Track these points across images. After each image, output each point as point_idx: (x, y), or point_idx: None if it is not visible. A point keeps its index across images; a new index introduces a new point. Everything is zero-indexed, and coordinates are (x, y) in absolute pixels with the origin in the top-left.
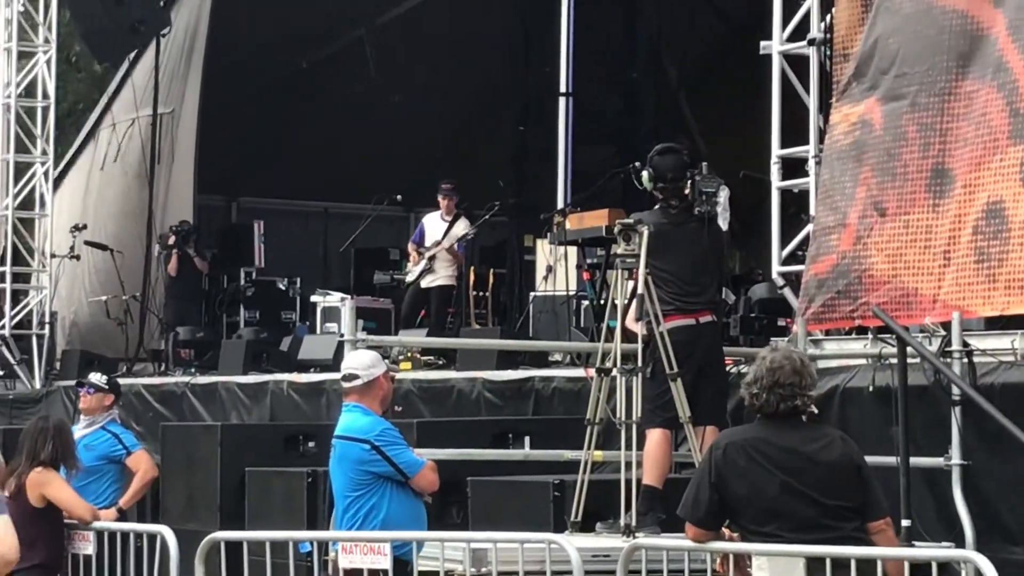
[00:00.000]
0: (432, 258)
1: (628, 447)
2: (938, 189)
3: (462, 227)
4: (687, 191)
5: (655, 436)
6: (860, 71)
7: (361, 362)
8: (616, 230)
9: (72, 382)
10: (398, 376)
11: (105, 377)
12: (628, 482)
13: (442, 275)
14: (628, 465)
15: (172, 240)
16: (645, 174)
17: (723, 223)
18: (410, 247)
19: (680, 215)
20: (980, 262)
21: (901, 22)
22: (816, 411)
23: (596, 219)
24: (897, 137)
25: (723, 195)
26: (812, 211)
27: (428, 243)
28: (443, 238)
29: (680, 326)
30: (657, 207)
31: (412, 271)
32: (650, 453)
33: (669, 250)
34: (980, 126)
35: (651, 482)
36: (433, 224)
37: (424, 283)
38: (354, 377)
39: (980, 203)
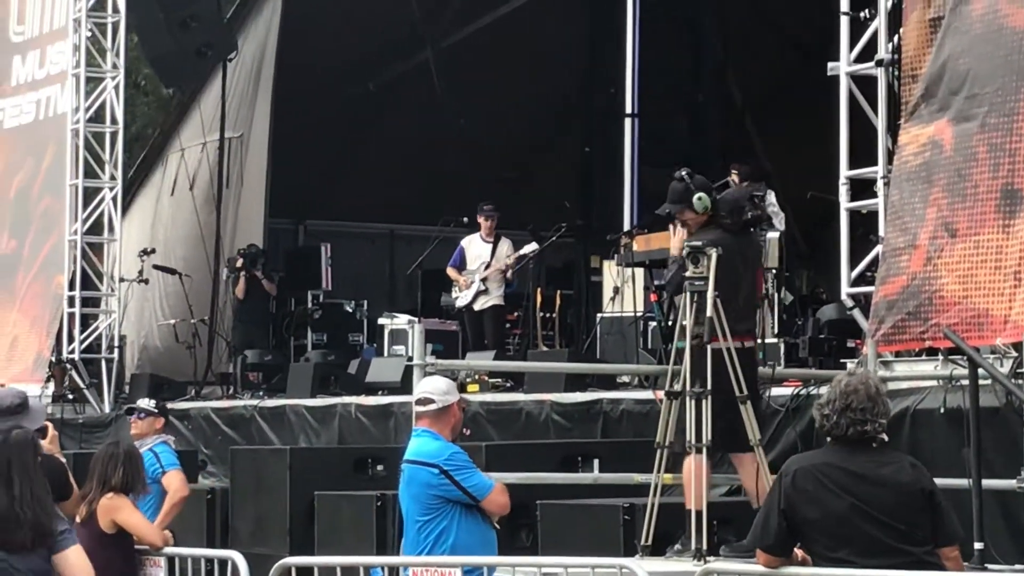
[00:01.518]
0: (485, 279)
1: (659, 470)
2: (1008, 209)
3: (506, 247)
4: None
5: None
6: (930, 92)
7: (437, 387)
8: (685, 252)
9: None
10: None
11: (153, 402)
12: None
13: (495, 296)
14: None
15: (240, 263)
16: (703, 196)
17: (780, 224)
18: (451, 272)
19: (734, 226)
20: None
21: (971, 43)
22: (887, 438)
23: (663, 240)
24: (968, 158)
25: (771, 197)
26: (881, 232)
27: (472, 265)
28: (491, 259)
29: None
30: (713, 222)
31: (464, 295)
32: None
33: (733, 266)
34: None
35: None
36: (475, 246)
37: (477, 306)
38: (429, 402)
39: None
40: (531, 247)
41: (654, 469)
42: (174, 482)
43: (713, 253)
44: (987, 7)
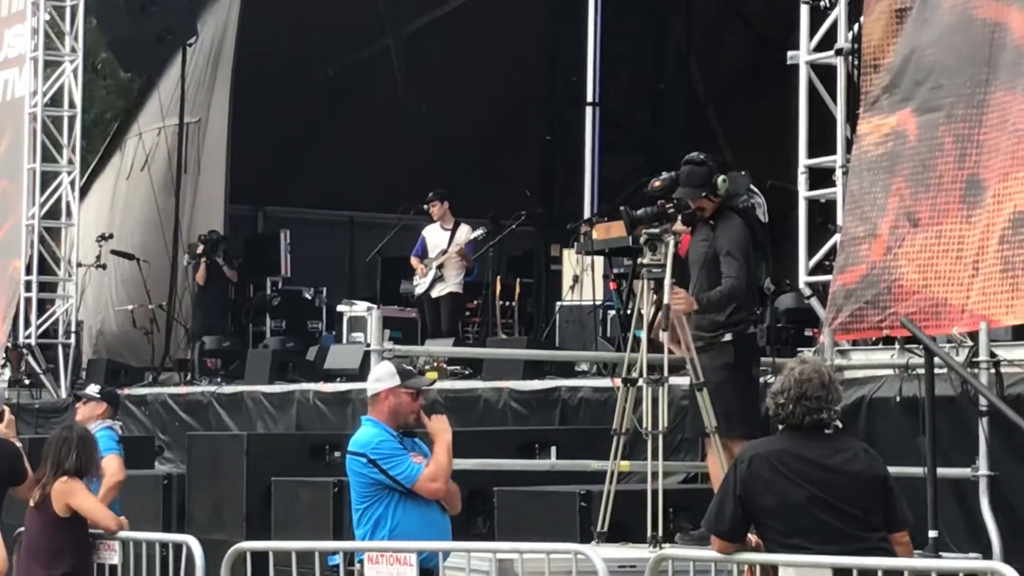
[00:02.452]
0: (441, 266)
1: (655, 457)
2: (972, 200)
3: (465, 231)
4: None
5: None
6: (893, 82)
7: (372, 375)
8: (643, 240)
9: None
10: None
11: (97, 387)
12: (655, 493)
13: (452, 283)
14: (655, 475)
15: (201, 249)
16: (727, 178)
17: (763, 216)
18: (413, 260)
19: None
20: (1005, 271)
21: (940, 34)
22: (840, 425)
23: (623, 229)
24: (932, 148)
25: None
26: (839, 221)
27: (432, 253)
28: (449, 245)
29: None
30: (725, 207)
31: (421, 283)
32: None
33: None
34: (1012, 136)
35: None
36: (434, 234)
37: (435, 293)
38: (367, 389)
39: (1007, 213)
40: (477, 232)
41: (611, 456)
42: (111, 466)
43: (671, 241)
44: None
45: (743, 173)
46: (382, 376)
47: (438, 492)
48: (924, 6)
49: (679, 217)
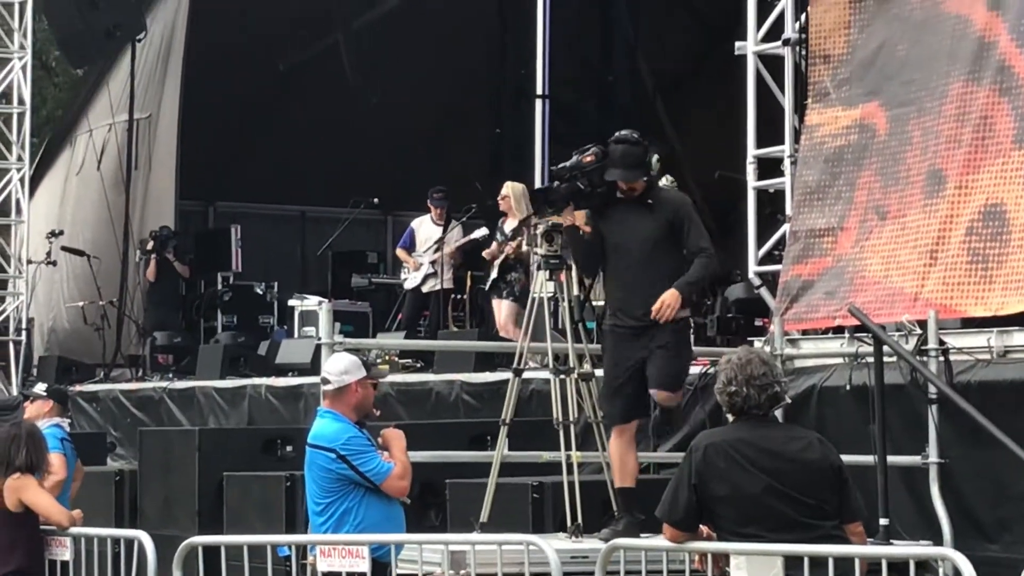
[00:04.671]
0: (434, 262)
1: (568, 447)
2: (930, 190)
3: (458, 231)
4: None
5: None
6: (856, 75)
7: (334, 367)
8: (540, 231)
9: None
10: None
11: (44, 385)
12: (571, 484)
13: (445, 279)
14: (570, 467)
15: (151, 245)
16: (656, 157)
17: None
18: (400, 252)
19: None
20: (974, 263)
21: (910, 30)
22: (790, 400)
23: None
24: (903, 142)
25: None
26: (788, 211)
27: (421, 248)
28: (440, 243)
29: None
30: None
31: (413, 276)
32: None
33: None
34: (979, 129)
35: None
36: (426, 229)
37: (426, 288)
38: (327, 381)
39: (976, 204)
40: (481, 232)
41: (562, 447)
42: (52, 465)
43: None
44: None
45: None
46: (350, 368)
47: (404, 490)
48: (891, 2)
49: (574, 204)
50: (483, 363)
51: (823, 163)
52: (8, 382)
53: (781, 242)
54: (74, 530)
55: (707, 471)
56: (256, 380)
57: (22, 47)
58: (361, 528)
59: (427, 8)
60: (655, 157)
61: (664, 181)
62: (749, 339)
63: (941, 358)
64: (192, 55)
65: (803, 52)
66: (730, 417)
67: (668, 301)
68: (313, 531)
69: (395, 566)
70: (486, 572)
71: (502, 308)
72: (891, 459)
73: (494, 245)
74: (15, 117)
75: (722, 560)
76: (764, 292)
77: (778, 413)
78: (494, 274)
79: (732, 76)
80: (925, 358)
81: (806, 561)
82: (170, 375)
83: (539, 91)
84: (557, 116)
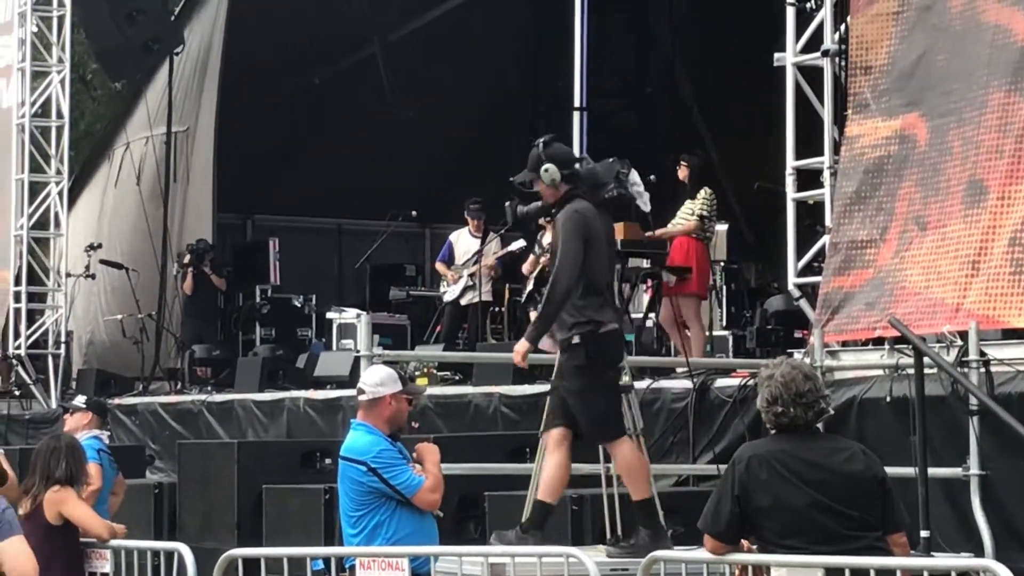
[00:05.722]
0: (472, 274)
1: (607, 459)
2: (971, 200)
3: (496, 243)
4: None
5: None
6: (896, 86)
7: (370, 379)
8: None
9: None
10: None
11: (84, 398)
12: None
13: (484, 291)
14: (609, 479)
15: (187, 259)
16: (551, 167)
17: (644, 205)
18: (439, 266)
19: (598, 205)
20: (1016, 273)
21: (950, 40)
22: (833, 412)
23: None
24: (943, 152)
25: (635, 176)
26: (828, 222)
27: (460, 260)
28: (478, 255)
29: (616, 330)
30: (574, 196)
31: (452, 289)
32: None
33: (599, 245)
34: (1021, 139)
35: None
36: (464, 242)
37: (464, 300)
38: (361, 392)
39: (1019, 215)
40: (518, 244)
41: (600, 459)
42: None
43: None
44: (965, 3)
45: (611, 160)
46: (385, 380)
47: (435, 503)
48: (932, 12)
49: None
50: (521, 375)
51: (863, 174)
52: (47, 395)
53: (820, 254)
54: (114, 543)
55: (750, 483)
56: (294, 393)
57: (60, 61)
58: (393, 541)
59: (463, 21)
60: (544, 168)
61: (702, 193)
62: (788, 351)
63: (982, 369)
64: (229, 68)
65: (842, 63)
66: (772, 431)
67: (516, 352)
68: (346, 544)
69: None
70: None
71: None
72: (932, 471)
73: (531, 258)
74: (54, 131)
75: (763, 572)
76: (804, 304)
77: (819, 424)
78: (530, 287)
79: (770, 87)
80: (966, 369)
81: (847, 573)
82: (209, 388)
83: (576, 103)
84: (595, 129)
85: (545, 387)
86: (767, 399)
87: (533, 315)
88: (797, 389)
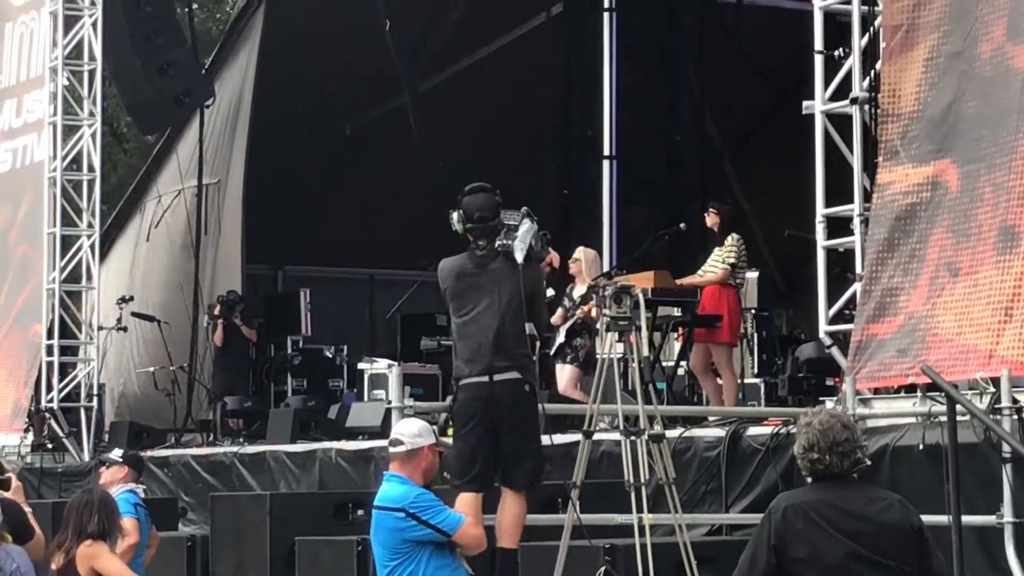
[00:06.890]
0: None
1: (640, 509)
2: (1003, 246)
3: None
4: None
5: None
6: (926, 132)
7: (408, 430)
8: (609, 292)
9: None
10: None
11: (120, 451)
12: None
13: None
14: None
15: (218, 310)
16: (455, 215)
17: (519, 255)
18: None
19: (486, 257)
20: None
21: (980, 86)
22: (869, 463)
23: (642, 281)
24: (974, 199)
25: (524, 227)
26: (859, 269)
27: None
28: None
29: (474, 383)
30: (466, 252)
31: None
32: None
33: (470, 297)
34: None
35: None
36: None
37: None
38: (398, 443)
39: None
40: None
41: (633, 509)
42: (125, 528)
43: (639, 292)
44: (995, 49)
45: (509, 212)
46: (423, 432)
47: (480, 539)
48: (962, 58)
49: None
50: (554, 425)
51: (895, 220)
52: (80, 449)
53: (851, 301)
54: None
55: (787, 533)
56: (326, 444)
57: (92, 114)
58: None
59: (493, 70)
60: (455, 216)
61: (729, 240)
62: (821, 399)
63: (1015, 416)
64: (259, 120)
65: (872, 111)
66: (808, 478)
67: None
68: None
69: None
70: None
71: (564, 373)
72: (966, 519)
73: (560, 311)
74: (85, 184)
75: None
76: (835, 351)
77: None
78: (560, 339)
79: (799, 134)
80: (999, 416)
81: None
82: (241, 440)
83: (606, 151)
84: (624, 175)
85: (576, 436)
86: (804, 445)
87: (560, 367)
88: (835, 438)
